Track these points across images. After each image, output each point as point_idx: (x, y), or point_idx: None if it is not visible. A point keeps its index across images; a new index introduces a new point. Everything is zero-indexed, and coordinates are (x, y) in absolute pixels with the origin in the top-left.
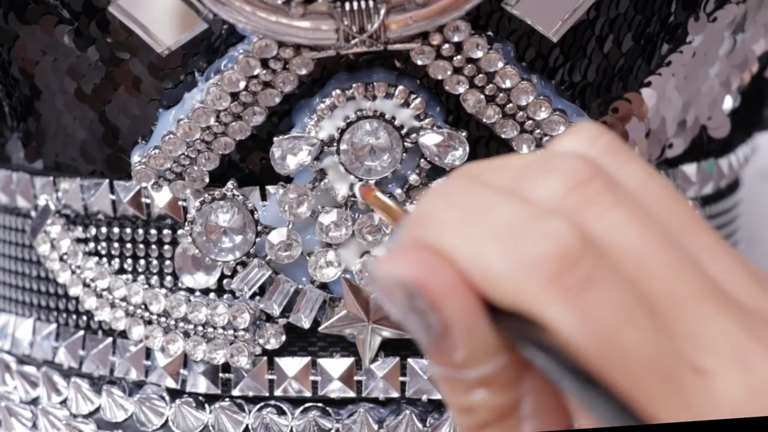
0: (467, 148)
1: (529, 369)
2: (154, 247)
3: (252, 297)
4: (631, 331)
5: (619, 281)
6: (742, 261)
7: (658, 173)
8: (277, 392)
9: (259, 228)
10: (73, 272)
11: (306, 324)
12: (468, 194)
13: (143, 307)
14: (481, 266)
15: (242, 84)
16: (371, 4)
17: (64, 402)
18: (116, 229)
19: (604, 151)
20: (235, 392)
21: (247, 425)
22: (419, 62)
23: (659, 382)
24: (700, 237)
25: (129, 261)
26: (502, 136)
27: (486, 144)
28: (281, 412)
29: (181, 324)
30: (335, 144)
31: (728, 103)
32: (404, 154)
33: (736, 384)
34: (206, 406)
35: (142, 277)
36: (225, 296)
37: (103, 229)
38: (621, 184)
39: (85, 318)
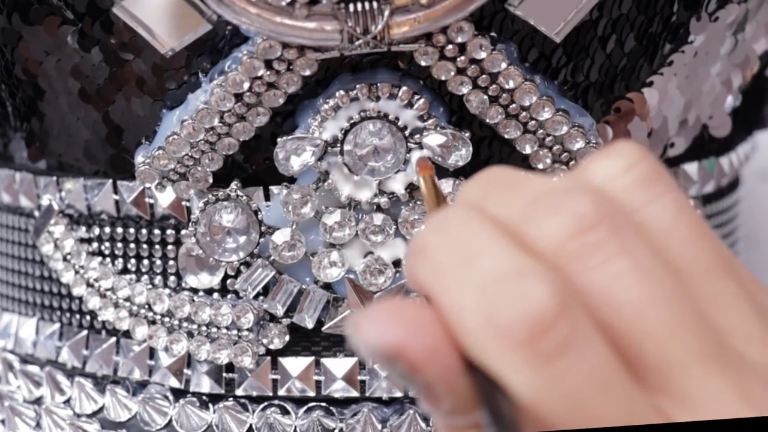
0: (470, 149)
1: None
2: (157, 247)
3: (256, 297)
4: (603, 400)
5: (597, 347)
6: (760, 310)
7: (692, 208)
8: (281, 392)
9: (263, 228)
10: (77, 272)
11: (310, 324)
12: (463, 232)
13: (147, 307)
14: (458, 318)
15: (246, 85)
16: (375, 5)
17: (67, 401)
18: (120, 229)
19: (639, 180)
20: (239, 392)
21: (250, 425)
22: (423, 63)
23: None
24: (720, 282)
25: (132, 261)
26: (505, 136)
27: (489, 144)
28: (285, 412)
29: (185, 324)
30: (339, 145)
31: (729, 102)
32: (408, 155)
33: None
34: (210, 405)
35: (145, 277)
36: (229, 296)
37: (107, 229)
38: (633, 229)
39: (88, 318)
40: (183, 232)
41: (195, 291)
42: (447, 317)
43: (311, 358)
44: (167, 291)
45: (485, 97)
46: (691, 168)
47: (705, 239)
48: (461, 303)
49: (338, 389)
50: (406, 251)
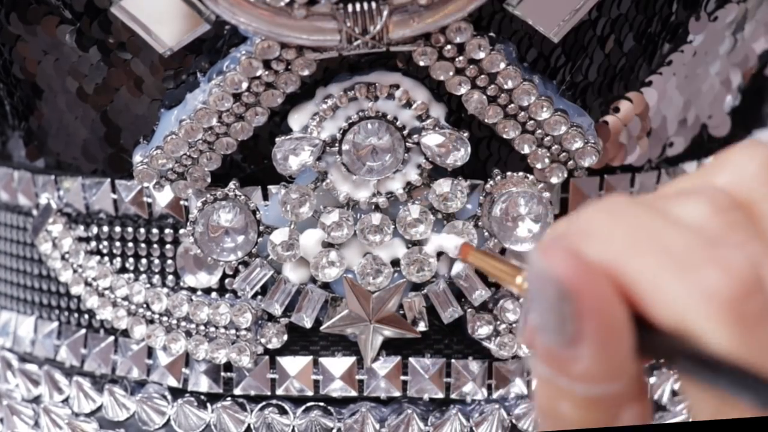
0: (469, 149)
1: (640, 403)
2: (155, 246)
3: (254, 296)
4: None
5: None
6: None
7: None
8: (279, 391)
9: (261, 228)
10: (75, 271)
11: (308, 323)
12: (635, 213)
13: (145, 306)
14: (655, 285)
15: (244, 85)
16: (374, 5)
17: (66, 400)
18: (118, 228)
19: None
20: (237, 391)
21: (249, 424)
22: (421, 63)
23: None
24: None
25: (131, 260)
26: (504, 136)
27: (488, 144)
28: (283, 412)
29: (183, 323)
30: (337, 144)
31: (728, 101)
32: (406, 155)
33: None
34: (208, 405)
35: (143, 276)
36: (227, 296)
37: (105, 228)
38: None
39: (86, 316)
40: (181, 231)
41: (193, 290)
42: (637, 286)
43: (309, 358)
44: (165, 290)
45: (484, 97)
46: (690, 167)
47: None
48: (657, 270)
49: (336, 389)
50: (549, 238)
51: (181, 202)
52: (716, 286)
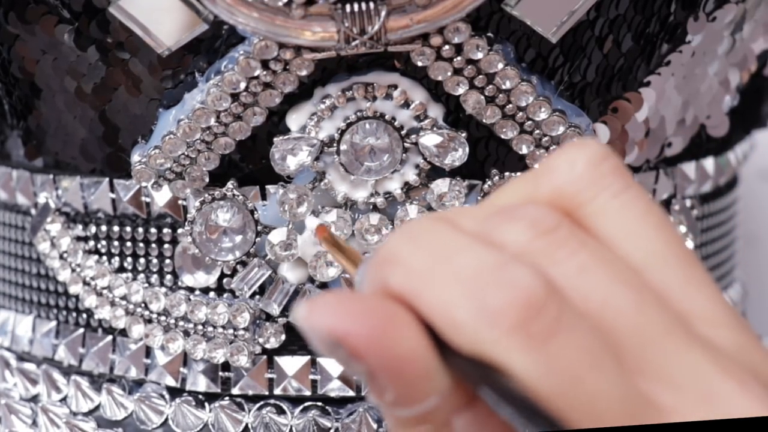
0: (467, 149)
1: (468, 407)
2: (154, 245)
3: (252, 296)
4: (597, 376)
5: (583, 327)
6: (720, 298)
7: (653, 203)
8: (277, 391)
9: (259, 228)
10: (73, 270)
11: None
12: (435, 236)
13: (143, 305)
14: (445, 313)
15: (243, 85)
16: (372, 5)
17: (64, 400)
18: (116, 228)
19: (599, 177)
20: (235, 391)
21: (246, 424)
22: (419, 63)
23: (625, 423)
24: (681, 269)
25: (129, 259)
26: (502, 136)
27: (486, 144)
28: (281, 411)
29: (181, 323)
30: (335, 144)
31: (727, 101)
32: (404, 155)
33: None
34: (206, 404)
35: (142, 275)
36: (225, 295)
37: (103, 228)
38: (586, 231)
39: (85, 316)
40: (179, 231)
41: (191, 290)
42: (430, 315)
43: (307, 357)
44: (163, 290)
45: (482, 97)
46: (689, 168)
47: (670, 230)
48: (445, 299)
49: (334, 388)
50: (360, 267)
51: (179, 202)
52: (500, 308)
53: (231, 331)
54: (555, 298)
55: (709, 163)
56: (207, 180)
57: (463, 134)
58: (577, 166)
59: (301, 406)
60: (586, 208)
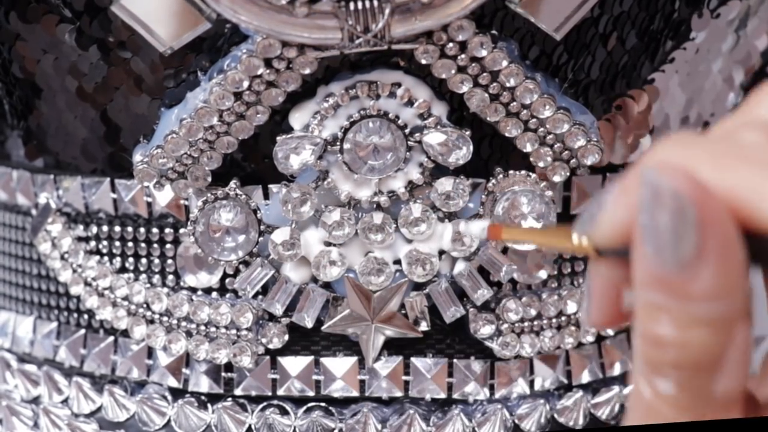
0: (471, 147)
1: (747, 323)
2: (155, 246)
3: (255, 296)
4: None
5: None
6: None
7: None
8: (280, 392)
9: (262, 227)
10: (74, 271)
11: (309, 323)
12: (707, 141)
13: (145, 306)
14: (753, 192)
15: (245, 83)
16: (376, 3)
17: (65, 401)
18: (117, 228)
19: None
20: (238, 392)
21: (249, 425)
22: (423, 61)
23: None
24: None
25: (130, 260)
26: (506, 134)
27: (490, 142)
28: (284, 412)
29: (184, 323)
30: (339, 143)
31: (731, 98)
32: (408, 153)
33: None
34: (209, 405)
35: (143, 276)
36: (228, 295)
37: (105, 228)
38: None
39: (86, 317)
40: (181, 231)
41: (193, 290)
42: (737, 196)
43: (310, 358)
44: (165, 290)
45: (486, 95)
46: None
47: None
48: (751, 179)
49: (338, 389)
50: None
51: (181, 202)
52: None
53: (234, 331)
54: None
55: None
56: (209, 179)
57: (467, 132)
58: None
59: (305, 407)
60: None
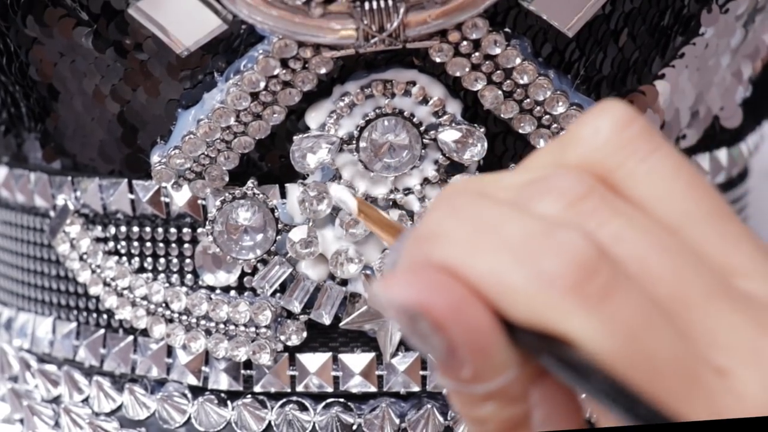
0: (485, 144)
1: (539, 379)
2: (173, 245)
3: (273, 294)
4: (653, 335)
5: (634, 287)
6: (759, 250)
7: (686, 160)
8: (299, 388)
9: (280, 226)
10: (93, 271)
11: (327, 320)
12: (476, 209)
13: (164, 305)
14: (497, 282)
15: (262, 84)
16: (390, 3)
17: (86, 400)
18: (135, 228)
19: (630, 139)
20: (257, 389)
21: (269, 421)
22: (438, 60)
23: (685, 383)
24: (721, 225)
25: (149, 260)
26: (520, 131)
27: (503, 139)
28: (303, 408)
29: (203, 322)
30: (354, 142)
31: (740, 93)
32: (423, 151)
33: (755, 381)
34: (228, 402)
35: (162, 275)
36: (246, 294)
37: (123, 228)
38: (617, 195)
39: (105, 316)
40: (199, 230)
41: (212, 289)
42: (481, 285)
43: (329, 354)
44: (184, 289)
45: (500, 92)
46: (703, 159)
47: (703, 187)
48: (498, 267)
49: (356, 384)
50: (396, 242)
51: (199, 202)
52: (556, 271)
53: (253, 329)
54: (606, 260)
55: (722, 154)
56: (227, 179)
57: (482, 129)
58: (602, 133)
59: (324, 403)
60: (615, 174)
